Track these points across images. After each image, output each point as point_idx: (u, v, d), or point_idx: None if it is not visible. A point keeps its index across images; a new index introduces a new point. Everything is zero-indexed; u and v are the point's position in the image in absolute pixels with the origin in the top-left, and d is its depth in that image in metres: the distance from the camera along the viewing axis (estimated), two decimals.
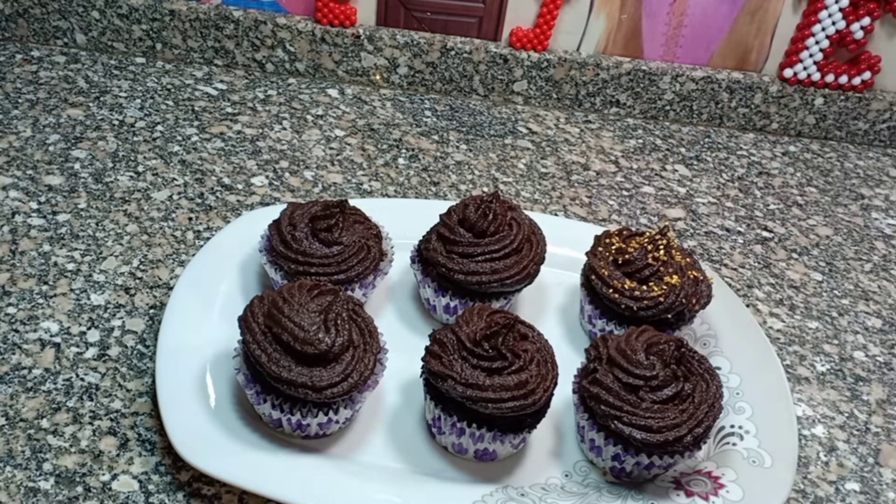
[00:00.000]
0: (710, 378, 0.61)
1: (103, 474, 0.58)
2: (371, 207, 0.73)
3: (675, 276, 0.68)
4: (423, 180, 0.91)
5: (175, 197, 0.83)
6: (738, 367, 0.71)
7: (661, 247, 0.70)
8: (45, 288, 0.71)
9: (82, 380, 0.64)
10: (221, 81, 1.02)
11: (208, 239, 0.77)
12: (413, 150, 0.96)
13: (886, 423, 0.72)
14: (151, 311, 0.70)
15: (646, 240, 0.70)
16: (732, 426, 0.65)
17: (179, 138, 0.91)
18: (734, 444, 0.64)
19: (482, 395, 0.57)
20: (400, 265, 0.74)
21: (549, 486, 0.61)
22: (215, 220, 0.81)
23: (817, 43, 1.02)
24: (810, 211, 0.98)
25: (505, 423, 0.59)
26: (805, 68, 1.04)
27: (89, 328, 0.68)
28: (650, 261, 0.69)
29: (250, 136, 0.93)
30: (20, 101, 0.93)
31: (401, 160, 0.93)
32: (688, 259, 0.71)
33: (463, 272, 0.67)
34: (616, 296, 0.68)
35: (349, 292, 0.66)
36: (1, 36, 1.02)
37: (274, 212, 0.72)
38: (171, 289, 0.72)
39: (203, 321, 0.67)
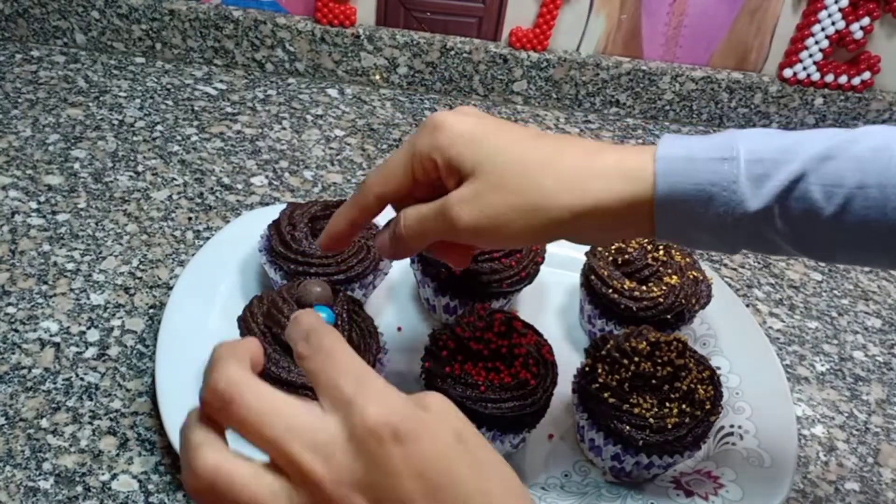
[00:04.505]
0: (709, 378, 0.61)
1: (103, 474, 0.58)
2: None
3: (674, 277, 0.68)
4: None
5: (175, 197, 0.83)
6: (737, 367, 0.71)
7: (661, 247, 0.70)
8: (44, 288, 0.71)
9: (82, 379, 0.64)
10: (221, 81, 1.02)
11: (208, 239, 0.77)
12: None
13: (886, 423, 0.72)
14: (151, 310, 0.70)
15: (645, 240, 0.70)
16: (732, 426, 0.65)
17: (179, 138, 0.91)
18: (734, 444, 0.64)
19: (481, 395, 0.57)
20: (400, 265, 0.73)
21: (548, 486, 0.61)
22: (215, 219, 0.81)
23: (817, 43, 1.02)
24: None
25: (505, 423, 0.59)
26: (805, 68, 1.04)
27: (89, 328, 0.68)
28: (650, 261, 0.69)
29: (250, 135, 0.93)
30: (20, 100, 0.93)
31: None
32: (687, 259, 0.71)
33: (463, 272, 0.67)
34: (615, 296, 0.68)
35: (349, 292, 0.66)
36: (1, 36, 1.02)
37: (274, 212, 0.72)
38: (170, 289, 0.72)
39: (203, 321, 0.67)
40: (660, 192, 0.45)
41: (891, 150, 0.45)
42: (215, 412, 0.34)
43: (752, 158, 0.45)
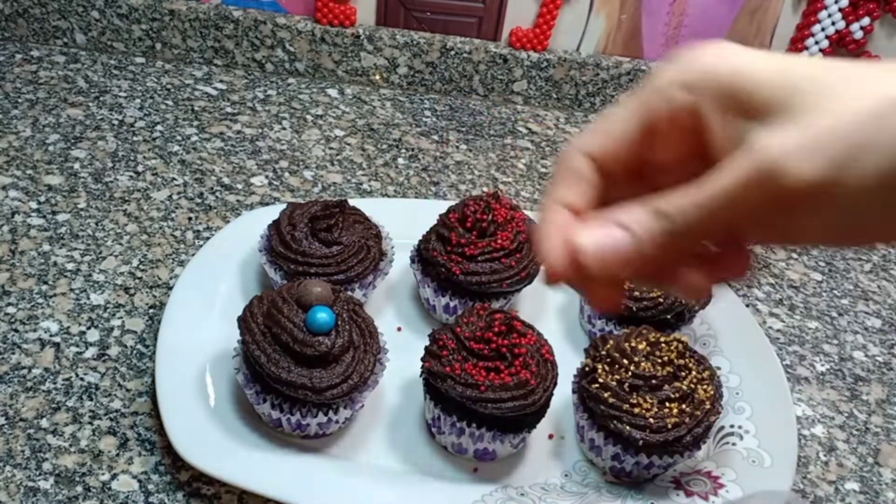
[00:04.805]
0: (709, 378, 0.61)
1: (103, 474, 0.58)
2: (371, 207, 0.73)
3: None
4: (422, 180, 0.91)
5: (175, 197, 0.83)
6: (738, 367, 0.71)
7: None
8: (44, 288, 0.71)
9: (82, 379, 0.64)
10: (221, 81, 1.02)
11: (208, 239, 0.77)
12: (413, 149, 0.96)
13: (886, 423, 0.72)
14: (151, 310, 0.70)
15: None
16: (732, 426, 0.65)
17: (179, 138, 0.91)
18: (734, 444, 0.64)
19: (481, 395, 0.57)
20: (400, 265, 0.73)
21: (548, 486, 0.61)
22: (215, 219, 0.81)
23: (817, 43, 1.02)
24: None
25: (505, 423, 0.59)
26: None
27: (89, 328, 0.68)
28: None
29: (250, 135, 0.93)
30: (20, 100, 0.93)
31: (400, 160, 0.93)
32: None
33: (463, 272, 0.67)
34: None
35: (349, 292, 0.66)
36: (1, 36, 1.02)
37: (273, 212, 0.72)
38: (170, 289, 0.72)
39: (203, 321, 0.67)
40: None
41: None
42: None
43: None
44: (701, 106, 0.33)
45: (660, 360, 0.59)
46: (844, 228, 0.32)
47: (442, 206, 0.72)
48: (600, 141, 0.35)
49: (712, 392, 0.60)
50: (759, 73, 0.32)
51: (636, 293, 0.68)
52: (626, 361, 0.59)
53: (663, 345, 0.60)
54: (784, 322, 0.81)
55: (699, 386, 0.60)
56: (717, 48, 0.33)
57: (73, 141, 0.88)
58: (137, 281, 0.73)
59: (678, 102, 0.33)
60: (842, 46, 1.02)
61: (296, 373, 0.56)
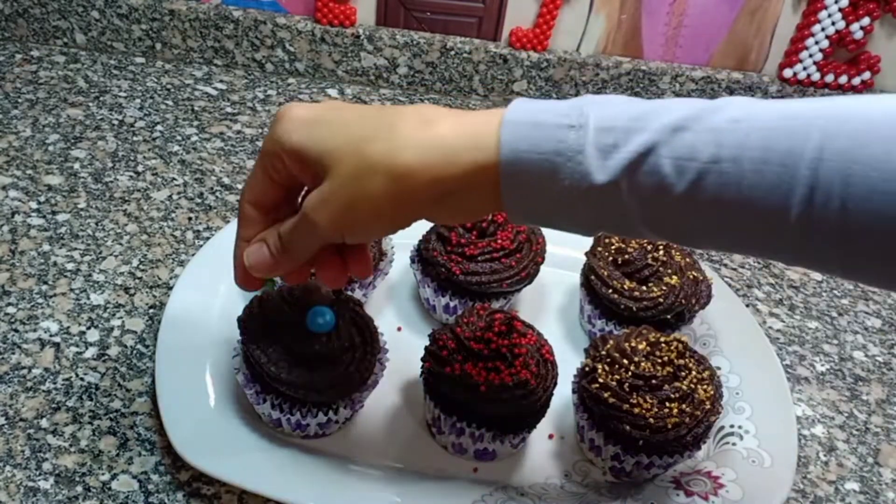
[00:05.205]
0: (709, 378, 0.61)
1: (103, 474, 0.58)
2: None
3: (674, 277, 0.68)
4: None
5: (175, 197, 0.83)
6: (737, 367, 0.71)
7: (661, 247, 0.70)
8: (44, 288, 0.71)
9: (82, 379, 0.64)
10: (221, 81, 1.02)
11: (208, 239, 0.77)
12: None
13: (886, 423, 0.72)
14: (151, 310, 0.70)
15: (645, 240, 0.70)
16: (732, 426, 0.65)
17: (179, 138, 0.91)
18: (734, 444, 0.64)
19: (482, 395, 0.57)
20: (400, 265, 0.74)
21: (548, 486, 0.61)
22: (215, 219, 0.81)
23: (817, 43, 1.02)
24: None
25: (505, 423, 0.59)
26: (805, 68, 1.04)
27: (89, 328, 0.68)
28: (650, 261, 0.69)
29: (250, 135, 0.93)
30: (20, 100, 0.93)
31: None
32: (687, 259, 0.71)
33: (463, 272, 0.67)
34: (615, 296, 0.68)
35: (349, 292, 0.66)
36: (1, 36, 1.02)
37: None
38: (170, 289, 0.72)
39: (203, 321, 0.67)
40: (504, 160, 0.42)
41: (750, 121, 0.40)
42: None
43: (602, 126, 0.41)
44: (291, 169, 0.46)
45: (660, 360, 0.59)
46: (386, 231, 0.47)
47: None
48: (250, 192, 0.49)
49: (712, 392, 0.60)
50: (307, 149, 0.45)
51: (636, 293, 0.68)
52: (626, 361, 0.59)
53: (663, 345, 0.60)
54: (784, 322, 0.81)
55: (699, 386, 0.60)
56: (287, 122, 0.46)
57: (73, 141, 0.88)
58: (137, 281, 0.73)
59: (276, 167, 0.47)
60: (842, 46, 1.02)
61: (296, 373, 0.56)
